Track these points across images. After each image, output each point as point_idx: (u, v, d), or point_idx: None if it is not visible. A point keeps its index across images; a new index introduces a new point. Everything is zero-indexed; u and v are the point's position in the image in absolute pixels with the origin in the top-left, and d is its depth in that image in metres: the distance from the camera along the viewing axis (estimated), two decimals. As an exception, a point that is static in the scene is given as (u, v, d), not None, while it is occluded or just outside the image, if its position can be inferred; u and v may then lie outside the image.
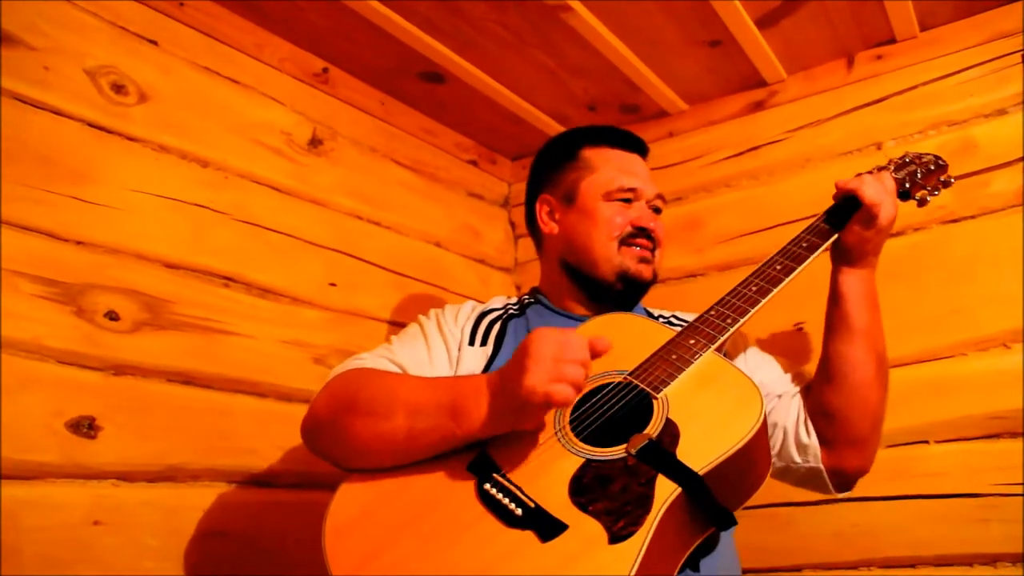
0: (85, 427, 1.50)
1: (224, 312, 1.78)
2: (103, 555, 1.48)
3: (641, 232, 1.61)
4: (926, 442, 1.87)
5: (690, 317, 1.41)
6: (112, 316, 1.58)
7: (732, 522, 1.12)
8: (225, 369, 1.75)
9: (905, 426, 1.88)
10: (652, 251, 1.63)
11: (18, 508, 1.39)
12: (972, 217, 1.93)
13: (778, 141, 2.27)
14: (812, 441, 1.46)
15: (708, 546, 1.21)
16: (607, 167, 1.66)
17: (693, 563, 1.19)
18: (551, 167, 1.73)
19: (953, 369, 1.88)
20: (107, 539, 1.49)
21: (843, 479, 1.48)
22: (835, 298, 1.49)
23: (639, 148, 1.73)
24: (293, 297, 1.93)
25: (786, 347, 2.02)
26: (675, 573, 1.11)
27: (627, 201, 1.63)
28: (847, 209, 1.45)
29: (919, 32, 2.10)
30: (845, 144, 2.15)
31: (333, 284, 2.04)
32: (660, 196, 1.69)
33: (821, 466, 1.46)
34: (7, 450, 1.39)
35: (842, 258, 1.48)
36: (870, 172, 1.54)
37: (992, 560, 1.75)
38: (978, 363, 1.86)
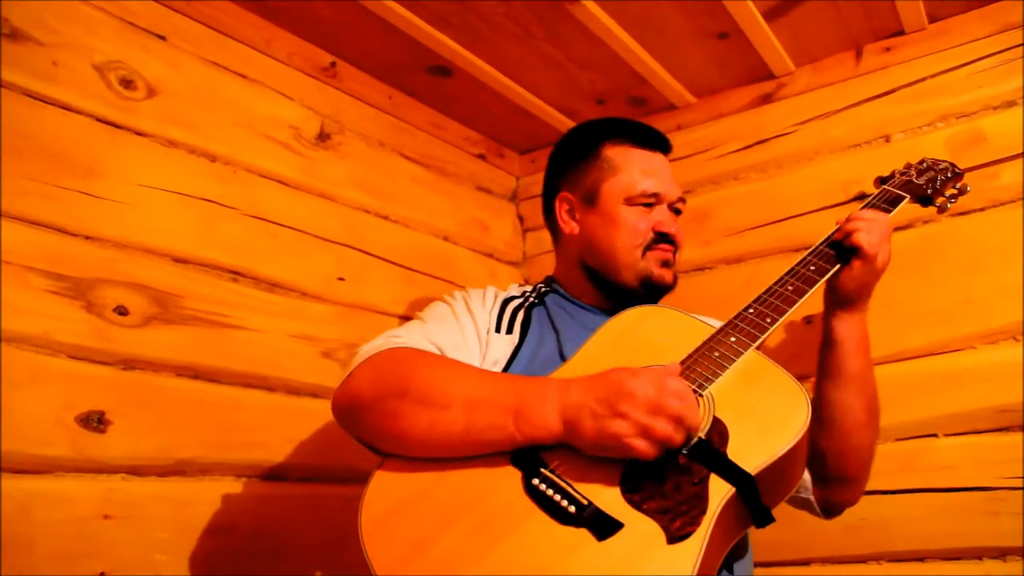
0: (95, 421, 1.50)
1: (233, 306, 1.78)
2: (113, 548, 1.49)
3: (663, 238, 1.59)
4: (935, 435, 1.87)
5: (713, 321, 1.40)
6: (121, 311, 1.58)
7: (771, 519, 1.11)
8: (234, 363, 1.75)
9: (914, 419, 1.88)
10: (673, 254, 1.62)
11: (29, 502, 1.40)
12: (981, 209, 1.92)
13: (786, 134, 2.26)
14: (805, 475, 1.46)
15: (740, 549, 1.21)
16: (629, 169, 1.62)
17: (728, 565, 1.19)
18: (571, 162, 1.69)
19: (962, 362, 1.87)
20: (117, 533, 1.50)
21: (832, 509, 1.53)
22: (829, 343, 1.49)
23: (662, 145, 1.69)
24: (302, 291, 1.94)
25: (797, 340, 2.02)
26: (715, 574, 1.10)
27: (649, 205, 1.60)
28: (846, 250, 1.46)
29: (928, 24, 2.08)
30: (854, 137, 2.14)
31: (342, 278, 2.04)
32: (682, 198, 1.66)
33: (812, 498, 1.50)
34: (18, 444, 1.39)
35: (837, 302, 1.48)
36: (863, 202, 1.54)
37: (1001, 554, 1.74)
38: (987, 356, 1.85)
